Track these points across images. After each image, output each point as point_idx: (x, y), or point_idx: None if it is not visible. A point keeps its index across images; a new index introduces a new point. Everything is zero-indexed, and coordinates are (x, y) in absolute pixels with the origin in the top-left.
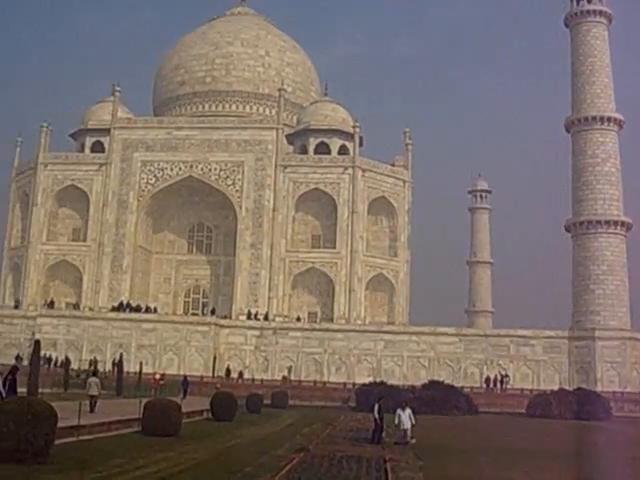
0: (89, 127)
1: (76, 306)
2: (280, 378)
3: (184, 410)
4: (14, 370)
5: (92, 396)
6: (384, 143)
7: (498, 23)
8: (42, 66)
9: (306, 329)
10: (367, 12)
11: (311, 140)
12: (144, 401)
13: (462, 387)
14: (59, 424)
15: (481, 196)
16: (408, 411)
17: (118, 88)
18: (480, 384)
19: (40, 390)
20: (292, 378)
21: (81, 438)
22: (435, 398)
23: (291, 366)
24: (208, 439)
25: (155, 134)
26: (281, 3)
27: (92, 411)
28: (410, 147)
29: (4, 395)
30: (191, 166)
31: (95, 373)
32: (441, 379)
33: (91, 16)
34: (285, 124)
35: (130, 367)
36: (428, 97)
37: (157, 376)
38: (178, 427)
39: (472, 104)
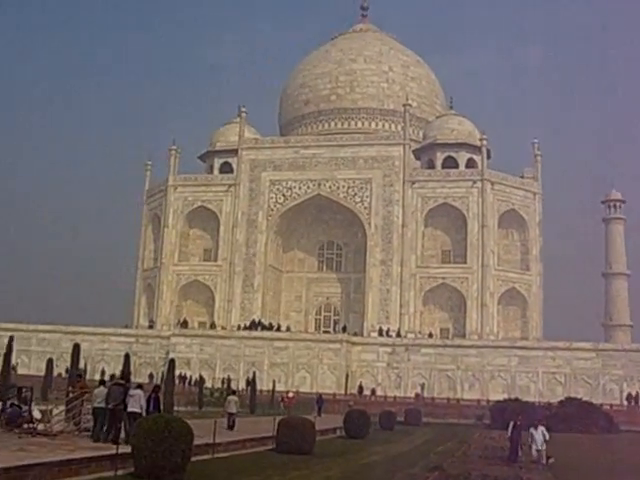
0: (217, 149)
1: (212, 325)
2: (413, 395)
3: (317, 428)
4: (157, 389)
5: (230, 414)
6: (512, 155)
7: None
8: (170, 90)
9: (438, 345)
10: (494, 22)
11: (438, 154)
12: (278, 419)
13: (601, 404)
14: (195, 442)
15: (615, 206)
16: (541, 429)
17: (244, 109)
18: (620, 401)
19: (175, 408)
20: (425, 395)
21: (216, 456)
22: (572, 415)
23: (424, 383)
24: (342, 457)
25: (282, 153)
26: (403, 18)
27: (231, 428)
28: (539, 158)
29: (147, 413)
30: (319, 184)
31: (234, 392)
32: (578, 396)
33: (218, 38)
34: (411, 139)
35: (263, 385)
36: (556, 107)
37: (290, 394)
38: (312, 445)
39: (602, 113)
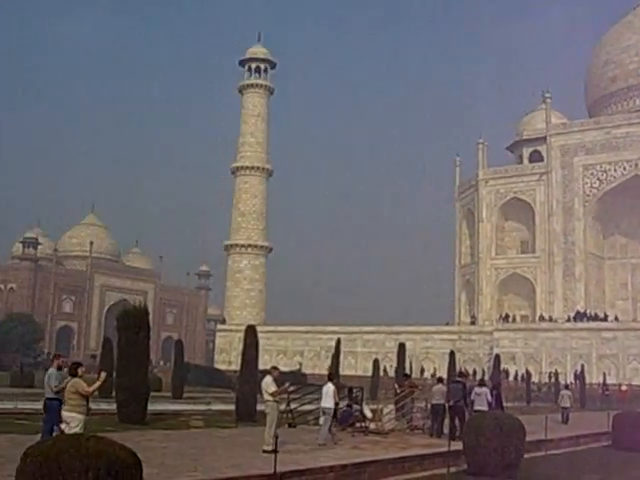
0: (524, 138)
1: (543, 317)
2: None
3: None
4: (498, 385)
5: (564, 408)
6: None
7: None
8: (471, 83)
9: None
10: None
11: None
12: (612, 414)
13: None
14: (527, 438)
15: None
16: None
17: (548, 95)
18: None
19: (503, 404)
20: None
21: (549, 452)
22: None
23: None
24: None
25: (593, 136)
26: None
27: (565, 422)
28: None
29: (490, 408)
30: (636, 165)
31: (566, 386)
32: None
33: (508, 27)
34: None
35: (592, 378)
36: None
37: (623, 387)
38: None
39: None
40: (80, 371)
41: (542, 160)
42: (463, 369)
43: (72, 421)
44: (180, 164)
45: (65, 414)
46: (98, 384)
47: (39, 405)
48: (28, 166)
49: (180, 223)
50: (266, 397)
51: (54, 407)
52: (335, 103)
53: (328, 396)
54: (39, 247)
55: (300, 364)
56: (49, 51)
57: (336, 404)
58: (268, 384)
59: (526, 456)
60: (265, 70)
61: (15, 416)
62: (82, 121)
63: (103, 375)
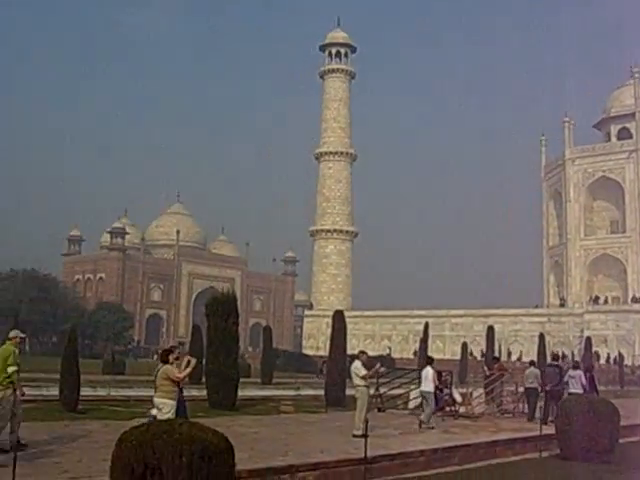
0: (612, 115)
1: (635, 299)
2: None
3: None
4: (590, 368)
5: None
6: None
7: None
8: (560, 61)
9: None
10: None
11: None
12: None
13: None
14: (621, 422)
15: None
16: None
17: (637, 69)
18: None
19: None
20: None
21: None
22: None
23: None
24: None
25: None
26: None
27: None
28: None
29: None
30: None
31: None
32: None
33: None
34: None
35: None
36: None
37: None
38: None
39: None
40: (171, 358)
41: (631, 137)
42: (556, 352)
43: (164, 407)
44: (264, 150)
45: (157, 400)
46: (188, 370)
47: (131, 392)
48: (115, 157)
49: (265, 210)
50: (356, 382)
51: None
52: (416, 85)
53: (428, 380)
54: (127, 237)
55: (389, 348)
56: (128, 39)
57: (436, 388)
58: (358, 368)
59: (621, 441)
60: (346, 54)
61: (108, 403)
62: (164, 110)
63: (193, 361)
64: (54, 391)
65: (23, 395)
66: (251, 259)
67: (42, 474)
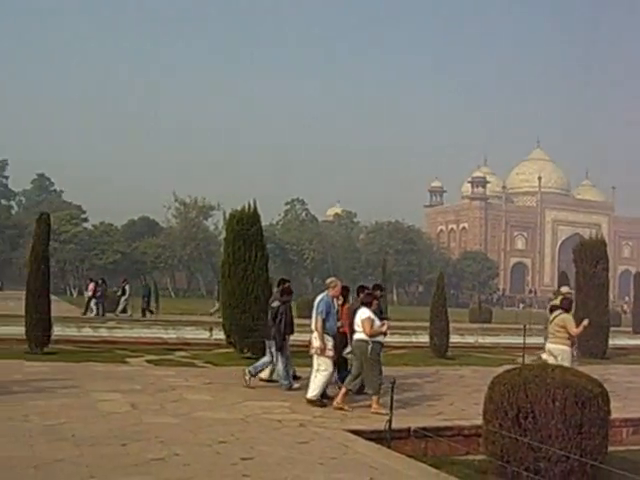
0: None
1: None
2: None
3: None
4: None
5: None
6: None
7: None
8: None
9: None
10: None
11: None
12: None
13: None
14: None
15: None
16: None
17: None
18: None
19: None
20: None
21: None
22: None
23: None
24: None
25: None
26: None
27: None
28: None
29: None
30: None
31: None
32: None
33: None
34: None
35: None
36: None
37: None
38: None
39: None
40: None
41: None
42: None
43: (561, 354)
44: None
45: (551, 346)
46: (581, 328)
47: (498, 339)
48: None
49: (634, 149)
50: None
51: None
52: None
53: None
54: (487, 186)
55: None
56: None
57: None
58: None
59: None
60: None
61: (477, 350)
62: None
63: (586, 322)
64: (422, 338)
65: None
66: (618, 203)
67: (418, 415)
